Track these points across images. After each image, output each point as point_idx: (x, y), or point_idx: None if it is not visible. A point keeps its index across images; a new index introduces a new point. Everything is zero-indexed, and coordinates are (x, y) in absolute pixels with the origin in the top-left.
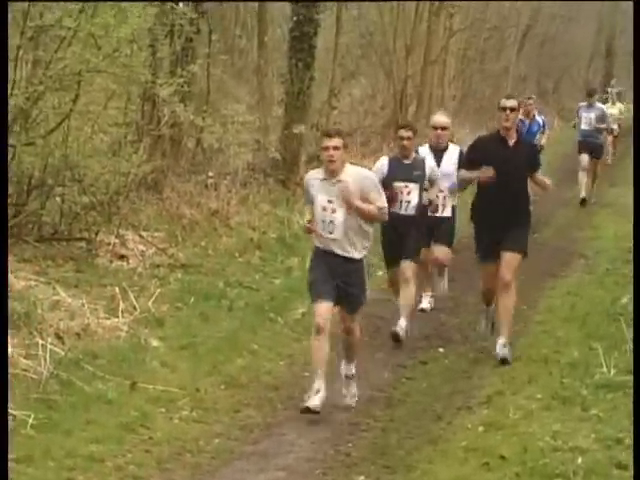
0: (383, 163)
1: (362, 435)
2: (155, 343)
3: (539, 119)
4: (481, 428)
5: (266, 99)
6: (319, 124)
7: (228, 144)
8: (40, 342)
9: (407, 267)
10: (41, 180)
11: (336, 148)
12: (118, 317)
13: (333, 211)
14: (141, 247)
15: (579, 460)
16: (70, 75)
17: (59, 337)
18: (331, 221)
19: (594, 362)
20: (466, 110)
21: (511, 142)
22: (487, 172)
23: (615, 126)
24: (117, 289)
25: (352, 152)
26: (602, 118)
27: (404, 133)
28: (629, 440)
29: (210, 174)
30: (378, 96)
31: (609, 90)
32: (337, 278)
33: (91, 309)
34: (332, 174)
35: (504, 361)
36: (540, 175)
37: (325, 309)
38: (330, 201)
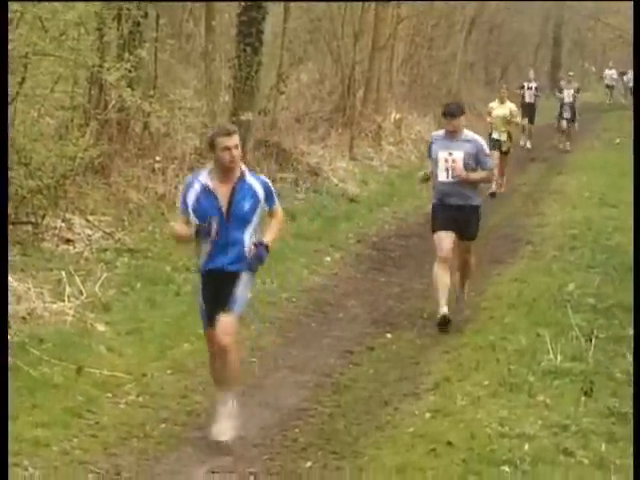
0: None
1: (309, 421)
2: (101, 328)
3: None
4: (428, 414)
5: (214, 84)
6: (267, 109)
7: (175, 129)
8: None
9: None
10: None
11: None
12: (64, 301)
13: None
14: (88, 231)
15: (526, 446)
16: (17, 58)
17: None
18: None
19: (541, 349)
20: (414, 96)
21: None
22: None
23: (503, 137)
24: (63, 273)
25: (299, 138)
26: (477, 156)
27: None
28: (575, 427)
29: (157, 158)
30: (326, 81)
31: (525, 85)
32: None
33: (37, 293)
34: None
35: None
36: None
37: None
38: None
